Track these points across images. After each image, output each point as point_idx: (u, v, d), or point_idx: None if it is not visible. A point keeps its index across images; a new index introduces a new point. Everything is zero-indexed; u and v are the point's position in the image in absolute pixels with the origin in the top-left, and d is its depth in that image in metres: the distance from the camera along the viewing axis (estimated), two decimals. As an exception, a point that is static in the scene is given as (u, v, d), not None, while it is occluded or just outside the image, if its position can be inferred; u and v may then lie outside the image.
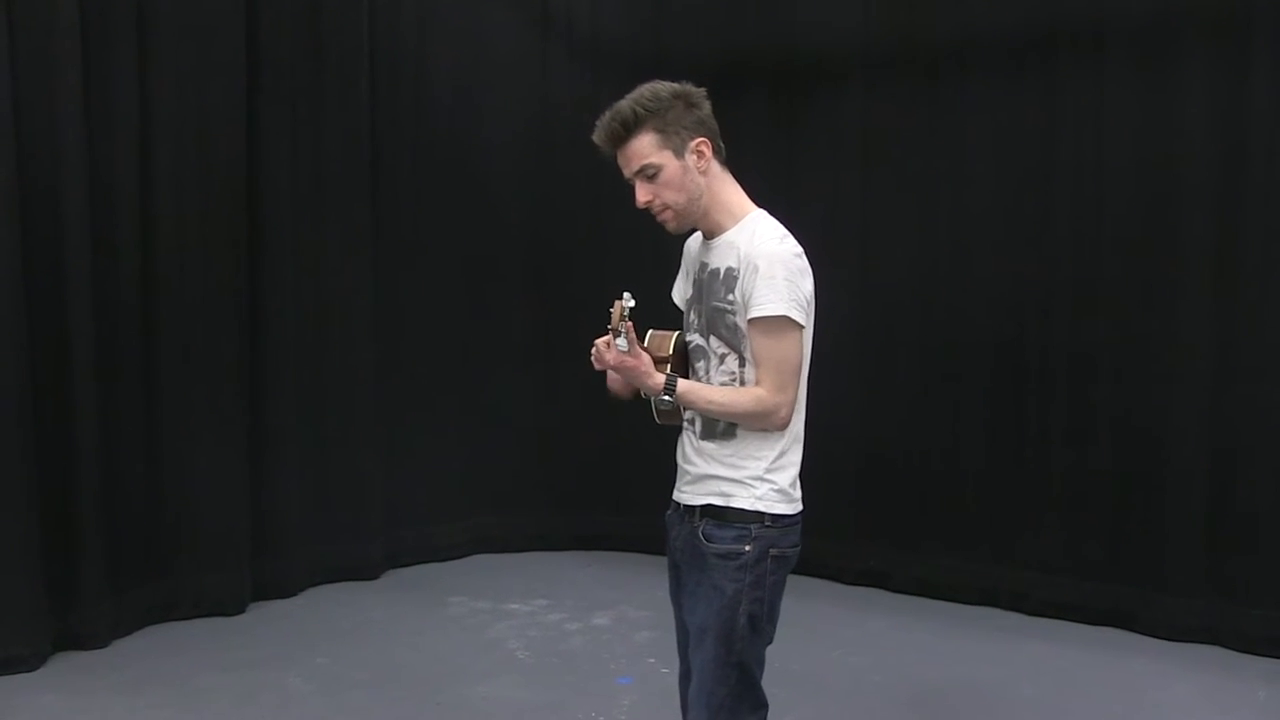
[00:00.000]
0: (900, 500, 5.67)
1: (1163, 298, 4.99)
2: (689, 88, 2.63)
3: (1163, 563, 5.01)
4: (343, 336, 5.72)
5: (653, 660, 4.66)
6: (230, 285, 5.20)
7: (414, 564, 6.05)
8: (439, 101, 6.09)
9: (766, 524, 2.59)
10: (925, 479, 5.60)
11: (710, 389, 2.61)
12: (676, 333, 2.74)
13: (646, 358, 2.59)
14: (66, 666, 4.55)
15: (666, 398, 2.57)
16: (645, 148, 2.59)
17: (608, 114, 2.61)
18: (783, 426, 2.59)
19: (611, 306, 2.53)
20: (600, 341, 2.57)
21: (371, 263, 5.82)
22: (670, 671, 4.38)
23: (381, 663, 4.68)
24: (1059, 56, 5.17)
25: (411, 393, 6.02)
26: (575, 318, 6.21)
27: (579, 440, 6.33)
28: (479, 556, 6.23)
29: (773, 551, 2.59)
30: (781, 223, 2.65)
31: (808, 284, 2.57)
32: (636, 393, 2.71)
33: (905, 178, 5.59)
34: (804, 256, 2.59)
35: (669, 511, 2.79)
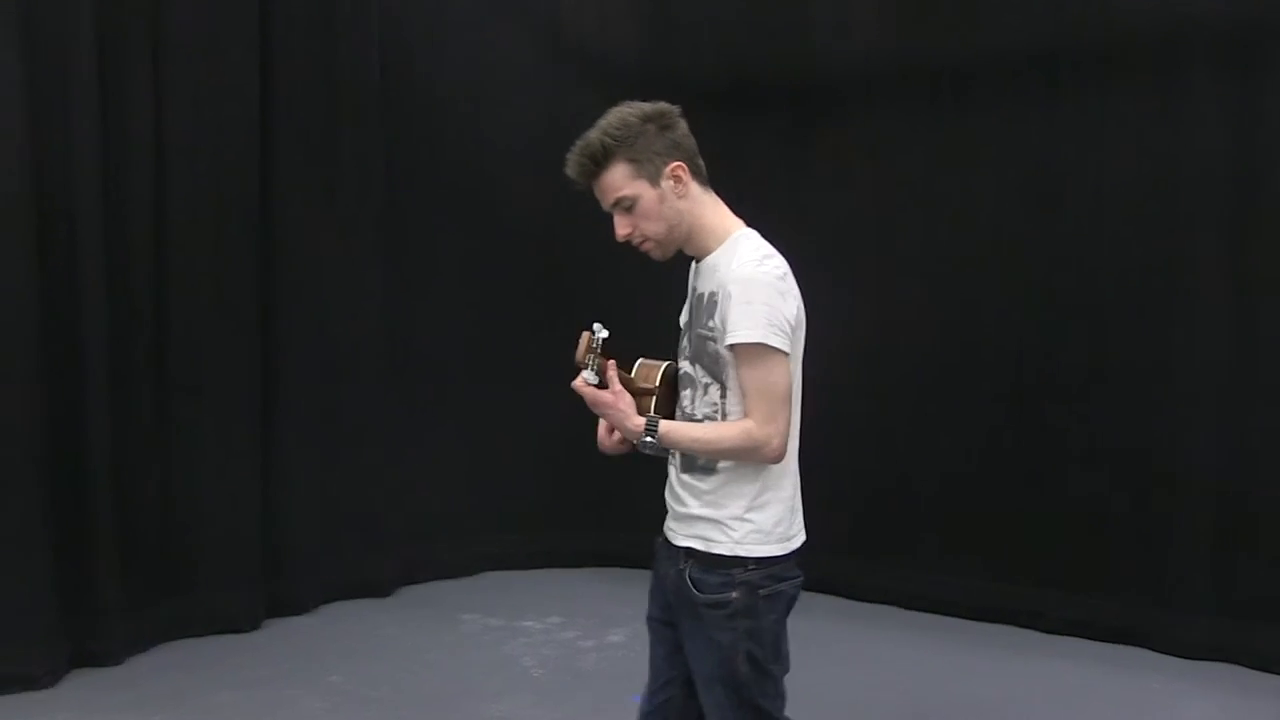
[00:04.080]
0: (911, 517, 5.66)
1: (1176, 316, 4.98)
2: (662, 107, 2.52)
3: (1177, 580, 4.99)
4: (355, 353, 5.73)
5: (666, 678, 4.65)
6: (242, 302, 5.22)
7: (427, 581, 6.05)
8: (449, 118, 6.10)
9: (750, 567, 2.48)
10: (939, 497, 5.59)
11: (695, 426, 2.51)
12: (667, 362, 2.62)
13: (627, 397, 2.50)
14: (81, 684, 4.56)
15: (649, 439, 2.47)
16: (618, 179, 2.49)
17: (577, 146, 2.51)
18: (777, 459, 2.45)
19: (580, 337, 2.46)
20: (577, 382, 2.49)
21: (382, 279, 5.84)
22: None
23: (395, 681, 4.69)
24: (1068, 75, 5.17)
25: (424, 409, 6.04)
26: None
27: (593, 457, 6.28)
28: (491, 574, 6.22)
29: (762, 593, 2.48)
30: (790, 240, 2.56)
31: (789, 307, 2.44)
32: (630, 444, 2.61)
33: (915, 197, 5.59)
34: (789, 277, 2.47)
35: (659, 539, 2.71)
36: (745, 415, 2.45)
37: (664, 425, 2.48)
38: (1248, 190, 4.78)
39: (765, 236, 2.56)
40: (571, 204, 6.09)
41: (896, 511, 5.69)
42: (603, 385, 2.50)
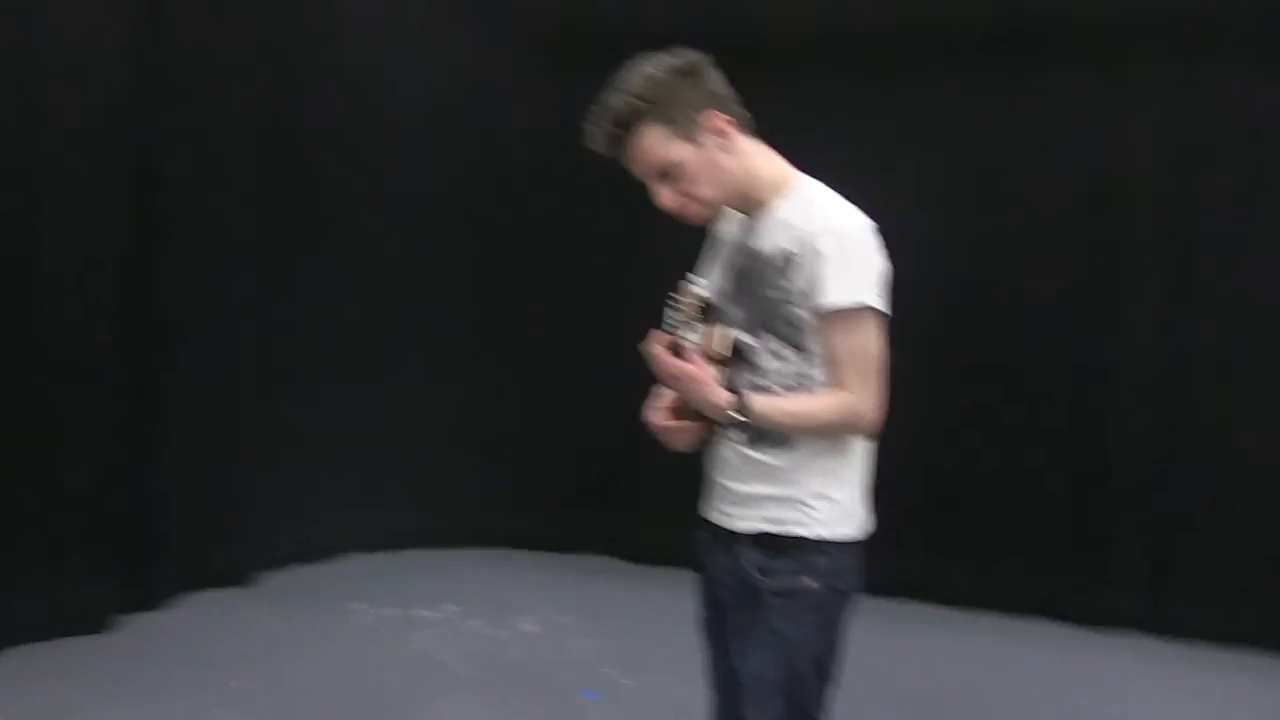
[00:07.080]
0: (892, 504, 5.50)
1: (1115, 304, 5.08)
2: (688, 56, 2.19)
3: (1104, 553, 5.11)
4: (234, 330, 5.15)
5: (612, 671, 4.27)
6: (117, 275, 4.59)
7: (284, 567, 5.40)
8: (350, 80, 5.55)
9: (832, 553, 2.17)
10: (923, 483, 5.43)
11: (786, 400, 2.14)
12: (728, 328, 2.19)
13: (711, 370, 2.11)
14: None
15: (739, 417, 2.09)
16: (655, 145, 2.15)
17: (599, 114, 2.16)
18: (873, 432, 2.19)
19: (680, 294, 2.08)
20: (658, 343, 2.10)
21: (263, 253, 5.27)
22: (632, 683, 4.10)
23: (311, 686, 4.11)
24: (1022, 53, 5.11)
25: (293, 392, 5.43)
26: (465, 303, 5.84)
27: (445, 431, 5.88)
28: (356, 557, 5.66)
29: (838, 585, 2.19)
30: None
31: (883, 264, 2.17)
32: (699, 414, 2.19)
33: (862, 169, 5.36)
34: (877, 233, 2.18)
35: (702, 533, 2.33)
36: (837, 384, 2.14)
37: (757, 401, 2.11)
38: (1195, 174, 4.87)
39: None
40: (483, 165, 5.72)
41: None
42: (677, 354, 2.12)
